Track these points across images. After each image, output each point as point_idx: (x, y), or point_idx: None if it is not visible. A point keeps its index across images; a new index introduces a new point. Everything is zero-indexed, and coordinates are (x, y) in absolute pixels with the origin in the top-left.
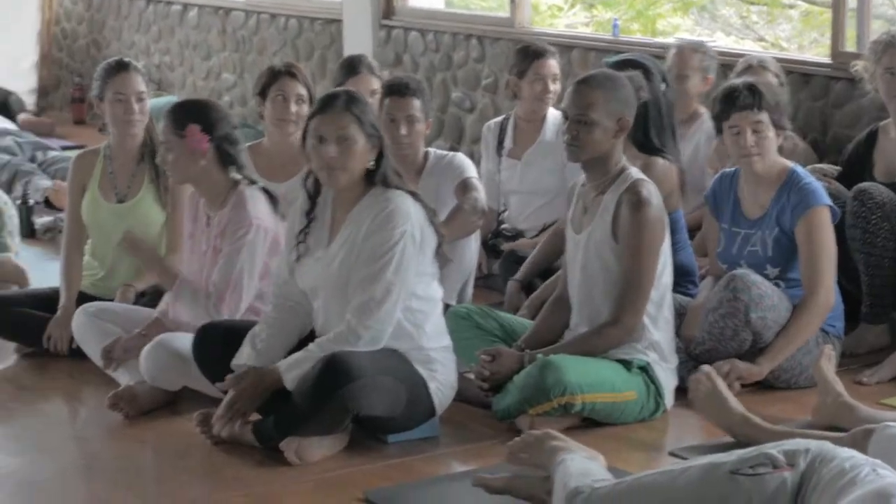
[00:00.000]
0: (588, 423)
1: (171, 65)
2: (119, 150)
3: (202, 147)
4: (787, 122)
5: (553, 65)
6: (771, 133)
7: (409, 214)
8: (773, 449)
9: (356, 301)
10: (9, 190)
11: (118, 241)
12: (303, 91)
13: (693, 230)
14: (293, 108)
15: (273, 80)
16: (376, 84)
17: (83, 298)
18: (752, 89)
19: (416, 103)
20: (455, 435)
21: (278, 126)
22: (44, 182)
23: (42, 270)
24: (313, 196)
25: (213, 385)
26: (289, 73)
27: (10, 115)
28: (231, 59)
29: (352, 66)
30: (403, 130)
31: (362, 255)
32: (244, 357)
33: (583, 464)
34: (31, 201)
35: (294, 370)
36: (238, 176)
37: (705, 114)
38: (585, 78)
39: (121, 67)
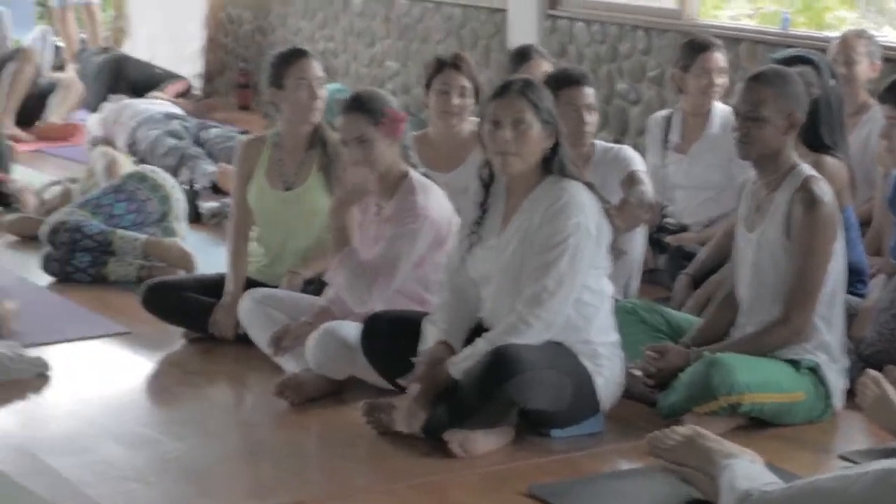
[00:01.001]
0: (754, 423)
1: (335, 52)
2: (289, 137)
3: (398, 132)
4: None
5: (719, 58)
6: None
7: (584, 206)
8: None
9: (528, 291)
10: (175, 174)
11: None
12: (467, 83)
13: (862, 225)
14: (456, 100)
15: (437, 71)
16: (548, 68)
17: (249, 284)
18: None
19: (592, 92)
20: (620, 431)
21: (441, 118)
22: (209, 167)
23: (208, 255)
24: (487, 185)
25: (379, 374)
26: (454, 65)
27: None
28: (395, 46)
29: (523, 54)
30: (589, 118)
31: (535, 245)
32: (430, 339)
33: (749, 467)
34: (198, 186)
35: (463, 363)
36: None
37: (875, 105)
38: (756, 74)
39: (301, 54)
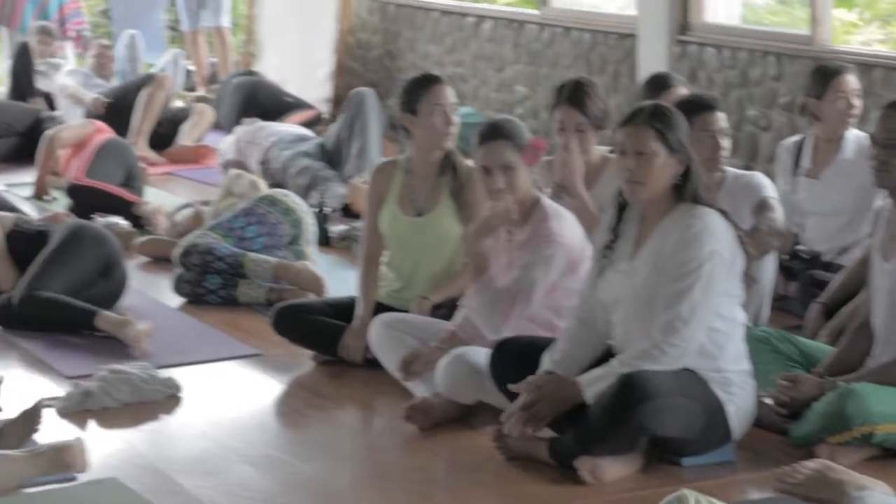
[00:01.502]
0: (888, 454)
1: (464, 76)
2: (421, 163)
3: (538, 160)
4: None
5: (853, 81)
6: None
7: (718, 233)
8: None
9: (662, 318)
10: (307, 194)
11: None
12: (583, 119)
13: None
14: (572, 140)
15: (555, 105)
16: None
17: (379, 309)
18: None
19: (724, 117)
20: (751, 460)
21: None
22: (341, 189)
23: (337, 279)
24: (622, 209)
25: (508, 400)
26: (570, 100)
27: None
28: (524, 71)
29: (661, 82)
30: (724, 143)
31: (668, 272)
32: (543, 368)
33: (882, 499)
34: (327, 209)
35: (594, 385)
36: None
37: None
38: (895, 102)
39: (434, 80)
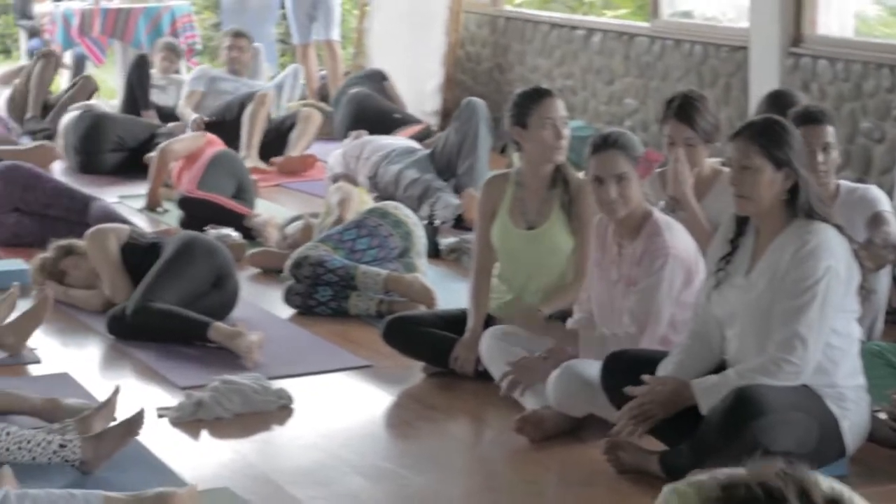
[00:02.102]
0: None
1: (574, 89)
2: (532, 176)
3: (651, 172)
4: None
5: None
6: None
7: (834, 249)
8: None
9: (780, 336)
10: (419, 205)
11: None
12: (691, 134)
13: None
14: (681, 153)
15: (664, 120)
16: None
17: (490, 321)
18: None
19: (831, 130)
20: (865, 475)
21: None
22: (453, 199)
23: (447, 291)
24: (741, 222)
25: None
26: (678, 115)
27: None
28: (634, 84)
29: (781, 99)
30: (820, 158)
31: (784, 288)
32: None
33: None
34: (437, 222)
35: (708, 393)
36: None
37: None
38: None
39: (545, 93)
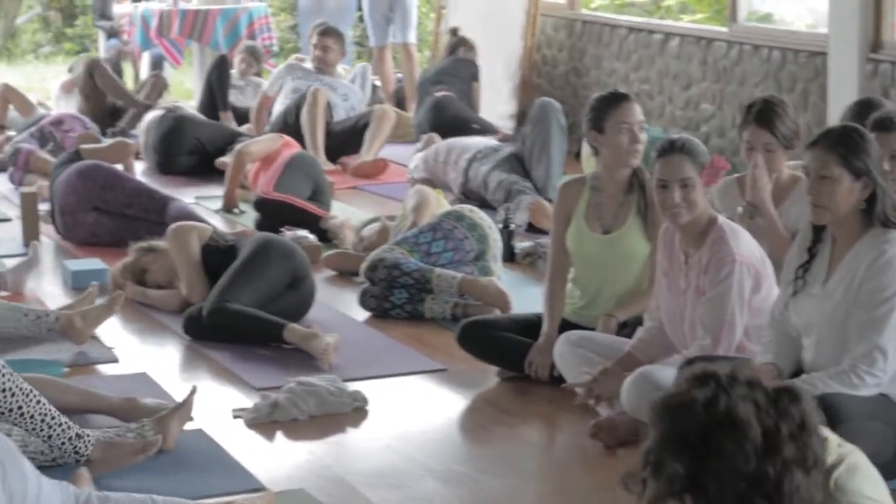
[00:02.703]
0: None
1: (651, 93)
2: (608, 180)
3: (717, 179)
4: None
5: None
6: None
7: None
8: None
9: (860, 348)
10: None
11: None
12: (770, 139)
13: None
14: (759, 159)
15: (743, 126)
16: None
17: (565, 326)
18: None
19: None
20: None
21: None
22: (528, 198)
23: (522, 295)
24: (818, 231)
25: None
26: (758, 121)
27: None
28: (711, 89)
29: (867, 107)
30: (886, 166)
31: (860, 299)
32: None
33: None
34: (513, 226)
35: None
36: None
37: None
38: None
39: (622, 98)
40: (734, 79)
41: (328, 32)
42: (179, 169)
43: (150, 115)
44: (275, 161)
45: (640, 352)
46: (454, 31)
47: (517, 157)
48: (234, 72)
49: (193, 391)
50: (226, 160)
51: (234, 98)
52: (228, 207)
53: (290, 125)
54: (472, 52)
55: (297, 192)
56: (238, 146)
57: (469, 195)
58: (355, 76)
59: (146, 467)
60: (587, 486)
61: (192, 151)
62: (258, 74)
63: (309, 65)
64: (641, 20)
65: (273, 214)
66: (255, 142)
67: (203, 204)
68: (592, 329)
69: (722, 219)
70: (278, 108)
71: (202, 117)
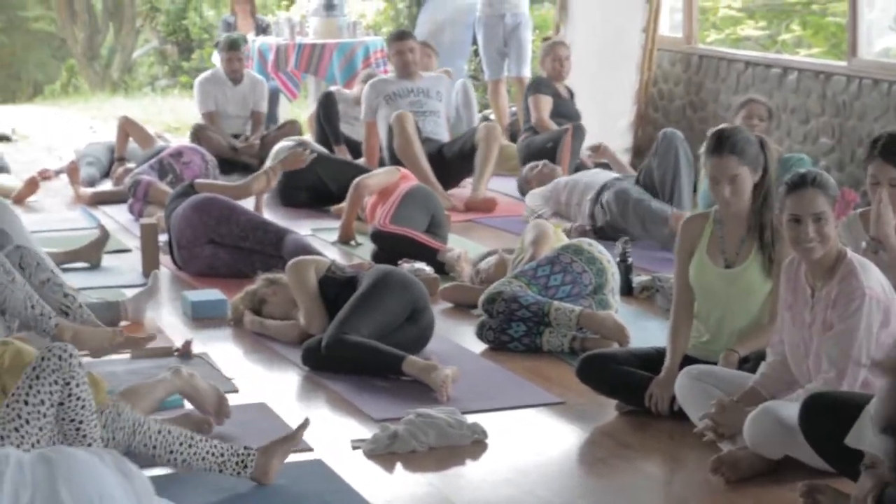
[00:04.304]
0: None
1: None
2: (731, 214)
3: (848, 210)
4: None
5: None
6: None
7: None
8: None
9: None
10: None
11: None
12: (895, 175)
13: None
14: (884, 195)
15: (868, 160)
16: None
17: (686, 361)
18: None
19: None
20: None
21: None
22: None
23: (639, 329)
24: None
25: (819, 456)
26: (882, 155)
27: None
28: (829, 123)
29: None
30: None
31: None
32: (866, 442)
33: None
34: (630, 260)
35: None
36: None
37: None
38: None
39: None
40: (853, 113)
41: (403, 36)
42: (299, 202)
43: (279, 146)
44: (392, 193)
45: (763, 387)
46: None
47: (639, 185)
48: (351, 97)
49: (305, 424)
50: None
51: (349, 130)
52: (345, 239)
53: (395, 159)
54: None
55: (413, 225)
56: (357, 179)
57: (603, 225)
58: (457, 92)
59: (265, 497)
60: None
61: (312, 185)
62: None
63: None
64: (759, 54)
65: (390, 247)
66: (372, 175)
67: (319, 236)
68: (714, 364)
69: (851, 252)
70: (383, 135)
71: (326, 152)
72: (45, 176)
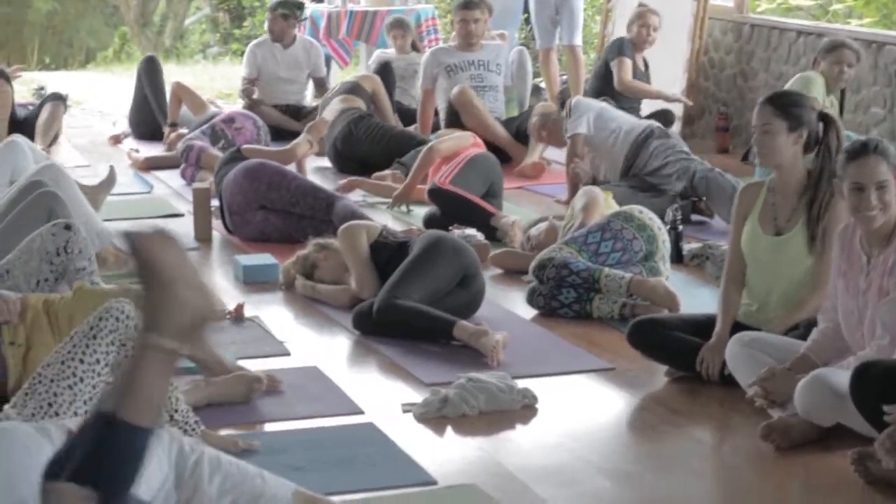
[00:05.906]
0: None
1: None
2: (783, 182)
3: None
4: None
5: None
6: None
7: None
8: None
9: None
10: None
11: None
12: None
13: None
14: None
15: None
16: None
17: (737, 327)
18: None
19: None
20: None
21: None
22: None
23: (689, 296)
24: None
25: (869, 424)
26: None
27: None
28: (882, 93)
29: None
30: None
31: None
32: None
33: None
34: (680, 227)
35: None
36: None
37: None
38: None
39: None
40: None
41: (470, 5)
42: (353, 170)
43: (332, 106)
44: (456, 157)
45: (815, 353)
46: None
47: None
48: (391, 51)
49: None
50: (385, 173)
51: (400, 97)
52: (403, 200)
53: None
54: None
55: (470, 190)
56: (431, 142)
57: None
58: (513, 61)
59: (316, 459)
60: (758, 489)
61: (365, 154)
62: (415, 47)
63: (452, 44)
64: (810, 23)
65: (445, 205)
66: (446, 139)
67: (370, 201)
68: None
69: None
70: (441, 105)
71: (387, 126)
72: (118, 141)
